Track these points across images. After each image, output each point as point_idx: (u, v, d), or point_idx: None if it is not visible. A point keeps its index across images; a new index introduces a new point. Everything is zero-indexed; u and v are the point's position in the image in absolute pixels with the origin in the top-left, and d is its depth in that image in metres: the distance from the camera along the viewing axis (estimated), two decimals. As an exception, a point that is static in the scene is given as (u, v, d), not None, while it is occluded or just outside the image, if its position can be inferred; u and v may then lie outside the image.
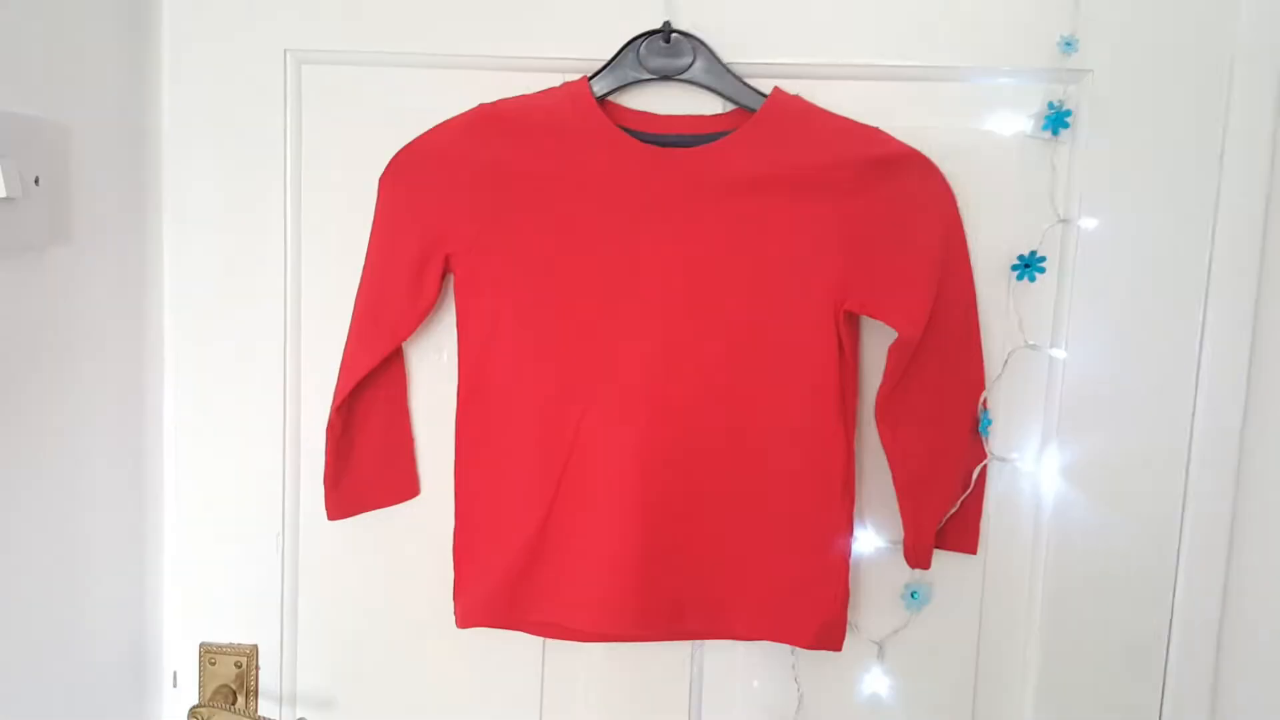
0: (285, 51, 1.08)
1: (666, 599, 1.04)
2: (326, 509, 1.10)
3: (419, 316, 1.05)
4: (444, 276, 1.05)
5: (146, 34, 1.08)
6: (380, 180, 1.04)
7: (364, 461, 1.10)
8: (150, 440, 1.14)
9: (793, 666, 1.11)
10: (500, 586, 1.06)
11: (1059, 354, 1.04)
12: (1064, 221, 1.03)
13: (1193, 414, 1.04)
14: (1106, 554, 1.07)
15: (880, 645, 1.10)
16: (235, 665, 1.16)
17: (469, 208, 1.03)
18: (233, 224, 1.10)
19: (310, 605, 1.16)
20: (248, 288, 1.11)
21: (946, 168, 1.01)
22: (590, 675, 1.14)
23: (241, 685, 1.16)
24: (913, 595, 1.08)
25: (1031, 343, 1.04)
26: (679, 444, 1.02)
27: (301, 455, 1.13)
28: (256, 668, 1.16)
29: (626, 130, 1.02)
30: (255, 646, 1.16)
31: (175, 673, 1.17)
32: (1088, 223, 1.02)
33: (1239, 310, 1.02)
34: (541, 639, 1.13)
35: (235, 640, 1.16)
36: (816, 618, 1.04)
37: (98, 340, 1.04)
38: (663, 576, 1.03)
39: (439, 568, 1.09)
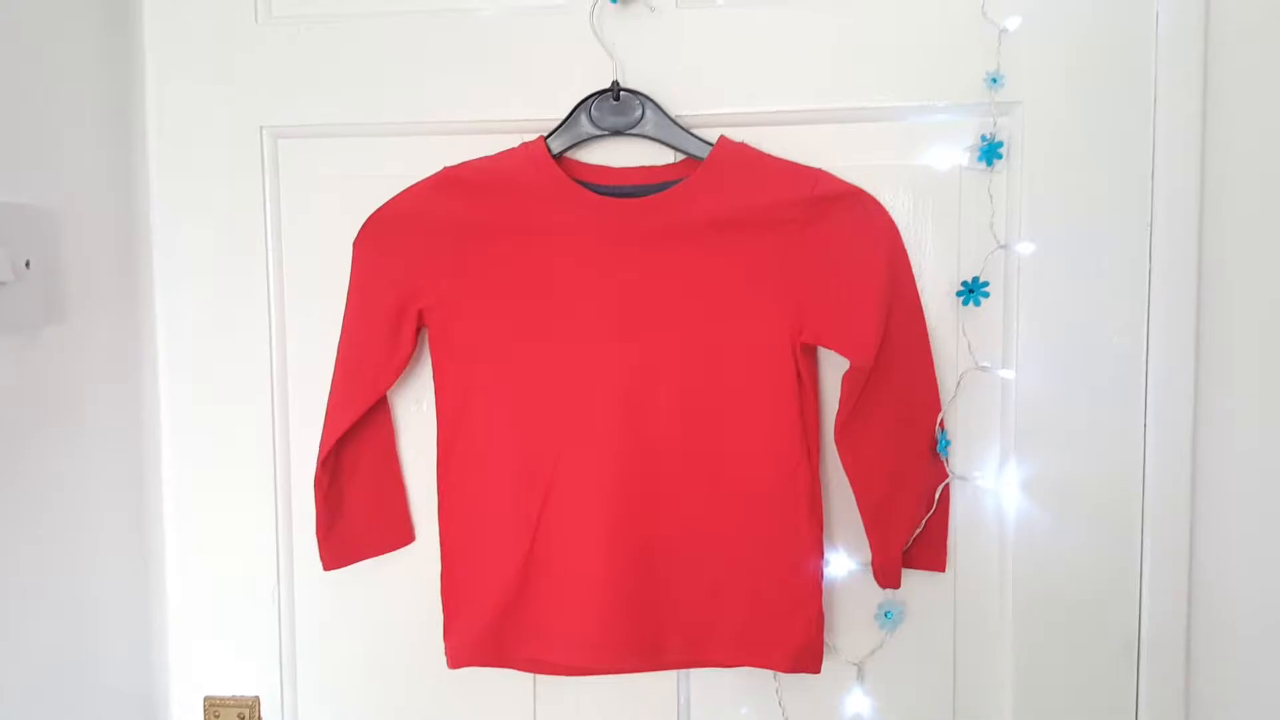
0: (261, 128, 1.15)
1: (647, 631, 1.08)
2: (321, 560, 1.13)
3: (396, 369, 1.10)
4: (419, 330, 1.10)
5: (132, 118, 1.15)
6: (354, 243, 1.10)
7: (355, 511, 1.14)
8: (150, 503, 1.19)
9: (776, 691, 1.13)
10: (487, 627, 1.10)
11: (1008, 374, 1.07)
12: (1004, 248, 1.06)
13: (1144, 423, 1.06)
14: (1072, 565, 1.08)
15: (859, 666, 1.12)
16: (239, 717, 1.19)
17: (438, 264, 1.08)
18: (219, 292, 1.17)
19: (309, 654, 1.20)
20: (236, 351, 1.17)
21: (889, 202, 1.06)
22: (582, 709, 1.16)
23: None
24: (886, 615, 1.10)
25: (983, 364, 1.08)
26: (650, 480, 1.07)
27: (294, 509, 1.18)
28: (259, 718, 1.19)
29: (583, 183, 1.08)
30: (257, 698, 1.20)
31: None
32: (1026, 248, 1.05)
33: (1180, 321, 1.05)
34: (532, 676, 1.16)
35: (238, 693, 1.20)
36: (793, 642, 1.07)
37: (94, 410, 1.10)
38: (642, 610, 1.07)
39: (433, 611, 1.12)
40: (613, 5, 1.07)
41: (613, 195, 1.07)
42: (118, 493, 1.14)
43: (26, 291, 0.97)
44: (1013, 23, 1.03)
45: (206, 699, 1.20)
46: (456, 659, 1.11)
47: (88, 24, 1.09)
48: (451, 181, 1.09)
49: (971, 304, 1.06)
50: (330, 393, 1.11)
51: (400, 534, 1.16)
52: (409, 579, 1.16)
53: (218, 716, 1.19)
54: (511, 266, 1.08)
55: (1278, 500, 1.06)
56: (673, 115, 1.07)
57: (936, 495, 1.07)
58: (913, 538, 1.07)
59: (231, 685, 1.20)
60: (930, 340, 1.07)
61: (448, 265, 1.08)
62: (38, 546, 1.01)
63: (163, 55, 1.15)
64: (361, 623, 1.19)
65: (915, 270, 1.07)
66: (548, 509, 1.08)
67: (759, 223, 1.05)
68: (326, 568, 1.14)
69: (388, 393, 1.13)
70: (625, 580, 1.06)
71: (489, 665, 1.11)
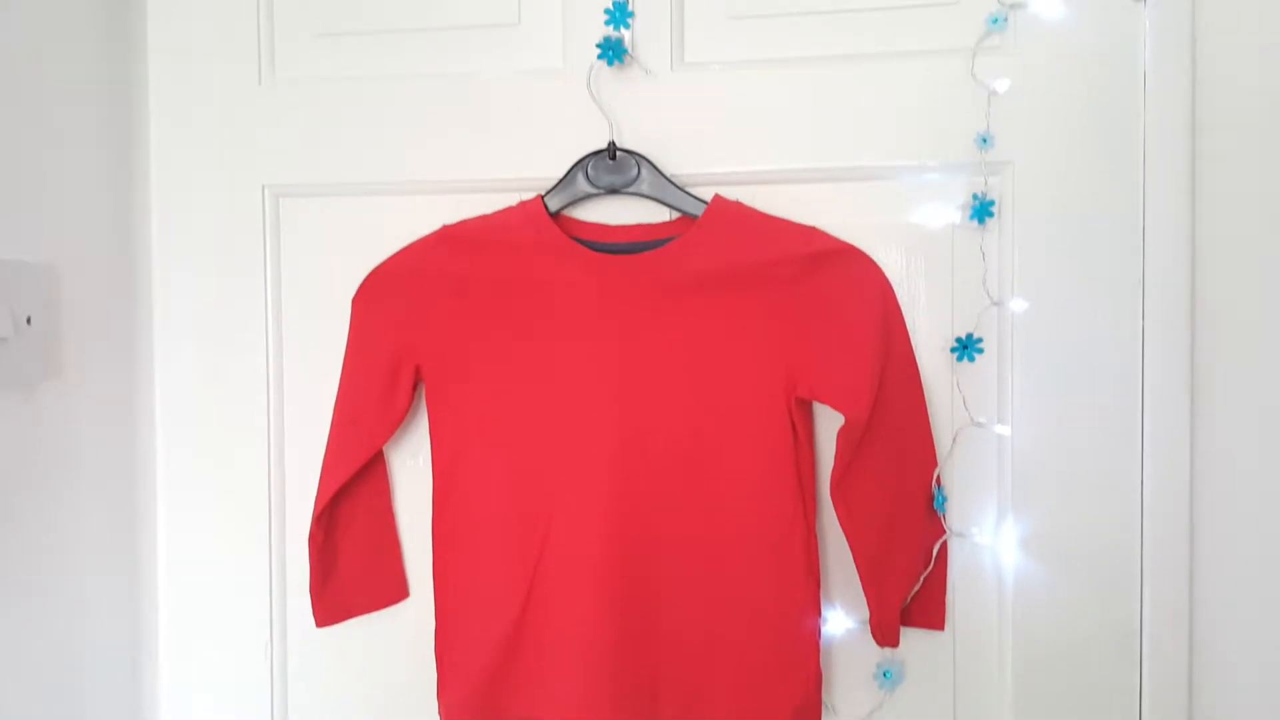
0: (263, 187, 1.16)
1: (642, 690, 1.07)
2: (314, 616, 1.13)
3: (393, 425, 1.10)
4: (416, 385, 1.11)
5: (135, 176, 1.17)
6: (353, 300, 1.12)
7: (349, 568, 1.14)
8: (144, 556, 1.19)
9: None
10: (480, 683, 1.09)
11: (1004, 430, 1.08)
12: (997, 304, 1.07)
13: (1140, 477, 1.06)
14: (1072, 622, 1.08)
15: None
16: None
17: (436, 320, 1.09)
18: (218, 348, 1.18)
19: (302, 712, 1.19)
20: (234, 406, 1.18)
21: (882, 259, 1.08)
22: None
23: None
24: (885, 675, 1.09)
25: (978, 420, 1.08)
26: (645, 538, 1.07)
27: (289, 564, 1.18)
28: None
29: (580, 240, 1.09)
30: None
31: None
32: (1018, 304, 1.06)
33: (1174, 375, 1.05)
34: None
35: None
36: (790, 700, 1.06)
37: (90, 464, 1.10)
38: (636, 668, 1.06)
39: (427, 668, 1.12)
40: (609, 68, 1.09)
41: (609, 252, 1.09)
42: (112, 546, 1.14)
43: (26, 347, 0.98)
44: (1002, 85, 1.05)
45: None
46: (450, 716, 1.11)
47: (92, 82, 1.11)
48: (450, 239, 1.11)
49: (966, 360, 1.07)
50: (327, 447, 1.12)
51: (394, 590, 1.16)
52: (403, 636, 1.16)
53: None
54: (508, 322, 1.09)
55: (1277, 554, 1.05)
56: (668, 174, 1.09)
57: (934, 552, 1.07)
58: (911, 595, 1.07)
59: None
60: (925, 396, 1.08)
61: (445, 321, 1.09)
62: (30, 600, 1.01)
63: (166, 114, 1.18)
64: (355, 679, 1.18)
65: (909, 326, 1.08)
66: (542, 565, 1.08)
67: (753, 279, 1.06)
68: (319, 624, 1.13)
69: (384, 448, 1.14)
70: (619, 638, 1.06)
71: None
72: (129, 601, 1.17)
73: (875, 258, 1.07)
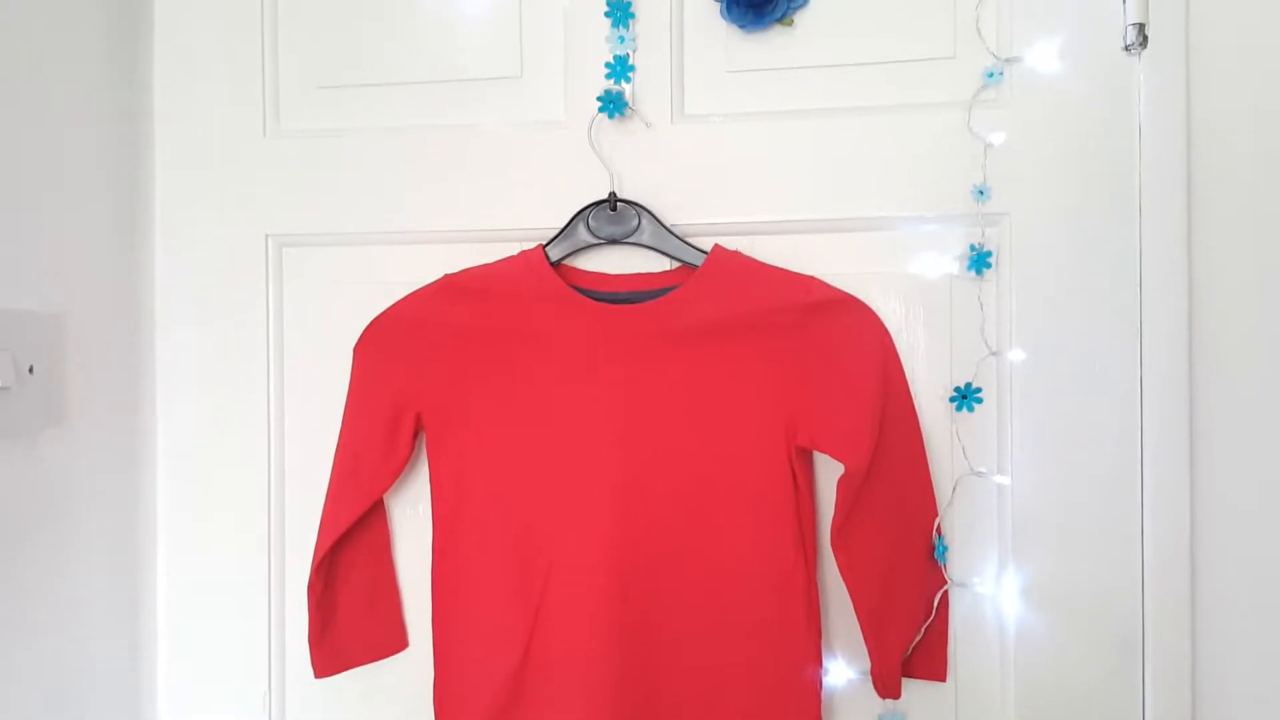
0: (267, 237, 1.17)
1: (643, 739, 1.06)
2: (313, 667, 1.12)
3: (393, 473, 1.11)
4: (417, 433, 1.11)
5: (139, 225, 1.18)
6: (355, 348, 1.12)
7: (348, 618, 1.14)
8: (144, 605, 1.18)
9: None
10: (480, 733, 1.08)
11: (1004, 480, 1.08)
12: (995, 354, 1.08)
13: (1141, 526, 1.06)
14: (1074, 672, 1.07)
15: None
16: None
17: (436, 369, 1.10)
18: (220, 396, 1.19)
19: (301, 764, 1.18)
20: (235, 454, 1.18)
21: (881, 308, 1.08)
22: None
23: None
24: (887, 726, 1.09)
25: (978, 470, 1.08)
26: (645, 586, 1.06)
27: (288, 615, 1.17)
28: None
29: (581, 290, 1.10)
30: None
31: None
32: (1017, 355, 1.07)
33: (1173, 424, 1.05)
34: None
35: None
36: (792, 752, 1.05)
37: (92, 511, 1.10)
38: (638, 716, 1.06)
39: (425, 718, 1.12)
40: (610, 120, 1.11)
41: (610, 301, 1.09)
42: (112, 595, 1.14)
43: (29, 396, 0.98)
44: (998, 138, 1.06)
45: None
46: None
47: (98, 132, 1.13)
48: (451, 288, 1.11)
49: (965, 409, 1.07)
50: (327, 496, 1.12)
51: (393, 640, 1.16)
52: (402, 686, 1.15)
53: None
54: (509, 371, 1.09)
55: (1278, 603, 1.05)
56: (668, 224, 1.10)
57: (935, 602, 1.07)
58: (912, 646, 1.06)
59: None
60: (925, 445, 1.08)
61: (446, 370, 1.10)
62: (30, 650, 1.00)
63: (171, 164, 1.19)
64: None
65: (908, 376, 1.08)
66: (542, 613, 1.08)
67: (753, 328, 1.06)
68: (318, 675, 1.12)
69: (385, 496, 1.14)
70: (620, 686, 1.05)
71: None
72: (127, 651, 1.16)
73: (874, 307, 1.08)
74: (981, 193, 1.06)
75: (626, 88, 1.10)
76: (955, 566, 1.09)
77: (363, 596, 1.14)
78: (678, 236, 1.10)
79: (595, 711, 1.05)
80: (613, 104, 1.09)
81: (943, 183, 1.08)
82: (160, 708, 1.19)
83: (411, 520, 1.16)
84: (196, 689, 1.18)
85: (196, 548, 1.19)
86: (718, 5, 1.10)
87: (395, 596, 1.16)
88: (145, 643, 1.18)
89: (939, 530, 1.07)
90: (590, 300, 1.09)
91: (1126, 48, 1.05)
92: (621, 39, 1.10)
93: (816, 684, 1.06)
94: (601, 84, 1.10)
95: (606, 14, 1.10)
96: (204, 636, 1.18)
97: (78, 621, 1.08)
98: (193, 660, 1.18)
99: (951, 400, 1.08)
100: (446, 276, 1.12)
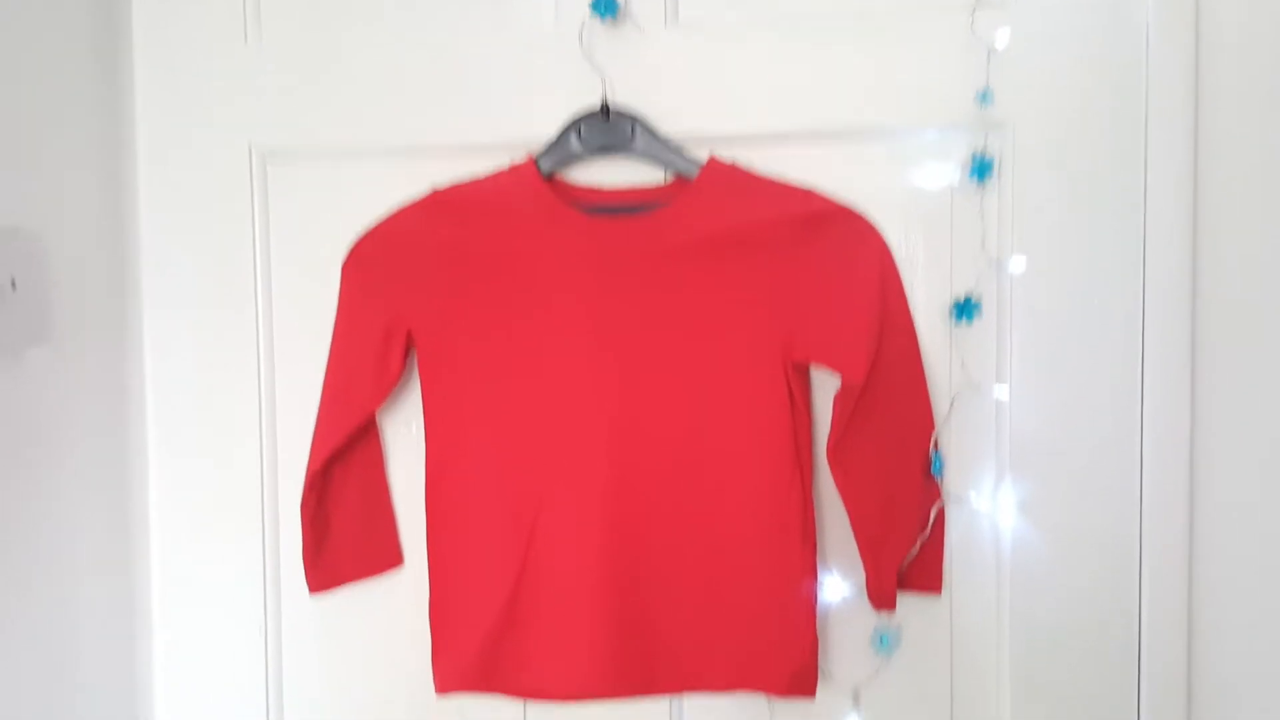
0: (250, 148, 1.14)
1: (638, 656, 1.06)
2: (307, 582, 1.12)
3: (384, 392, 1.09)
4: (408, 351, 1.10)
5: (121, 138, 1.15)
6: (343, 266, 1.10)
7: (342, 534, 1.13)
8: (135, 527, 1.17)
9: (770, 718, 1.11)
10: (476, 652, 1.08)
11: (1002, 392, 1.06)
12: (996, 265, 1.05)
13: (1140, 439, 1.05)
14: (1069, 586, 1.07)
15: (855, 692, 1.10)
16: None
17: (427, 286, 1.08)
18: (208, 314, 1.16)
19: (296, 682, 1.18)
20: (225, 373, 1.16)
21: (880, 220, 1.06)
22: None
23: None
24: (882, 640, 1.08)
25: (975, 383, 1.06)
26: (641, 506, 1.06)
27: (282, 534, 1.17)
28: None
29: (574, 203, 1.07)
30: None
31: None
32: (1018, 264, 1.04)
33: (1175, 335, 1.03)
34: (523, 702, 1.14)
35: None
36: (787, 666, 1.05)
37: (80, 432, 1.09)
38: (633, 635, 1.06)
39: (422, 637, 1.11)
40: (602, 26, 1.07)
41: (602, 214, 1.07)
42: (102, 516, 1.13)
43: (12, 311, 0.96)
44: (1001, 41, 1.03)
45: None
46: (445, 685, 1.10)
47: (76, 44, 1.09)
48: (440, 203, 1.09)
49: (964, 322, 1.06)
50: (318, 413, 1.10)
51: (388, 557, 1.15)
52: (397, 603, 1.15)
53: None
54: (500, 288, 1.07)
55: (1278, 514, 1.04)
56: (662, 135, 1.07)
57: (931, 516, 1.06)
58: (908, 560, 1.06)
59: (218, 716, 1.18)
60: (923, 359, 1.07)
61: (436, 287, 1.08)
62: (17, 572, 1.00)
63: (152, 75, 1.16)
64: (349, 649, 1.17)
65: (907, 289, 1.06)
66: (537, 533, 1.07)
67: (750, 241, 1.05)
68: (313, 591, 1.12)
69: (377, 415, 1.13)
70: (615, 605, 1.05)
71: (478, 691, 1.10)
72: (119, 573, 1.16)
73: (872, 219, 1.05)
74: (984, 97, 1.03)
75: (618, -9, 1.06)
76: (952, 481, 1.08)
77: (356, 513, 1.13)
78: (672, 147, 1.07)
79: (590, 631, 1.05)
80: (604, 6, 1.05)
81: (945, 89, 1.04)
82: (154, 630, 1.19)
83: (405, 439, 1.15)
84: (192, 607, 1.18)
85: (188, 470, 1.17)
86: (713, -96, 1.06)
87: (389, 514, 1.15)
88: (137, 565, 1.18)
89: (936, 445, 1.06)
90: (582, 214, 1.07)
91: (1135, -53, 1.01)
92: (613, -60, 1.06)
93: (812, 600, 1.06)
94: (593, -14, 1.06)
95: (598, -86, 1.06)
96: (198, 555, 1.18)
97: (65, 544, 1.07)
98: (187, 578, 1.18)
99: (951, 313, 1.06)
100: (434, 191, 1.09)
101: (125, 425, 1.16)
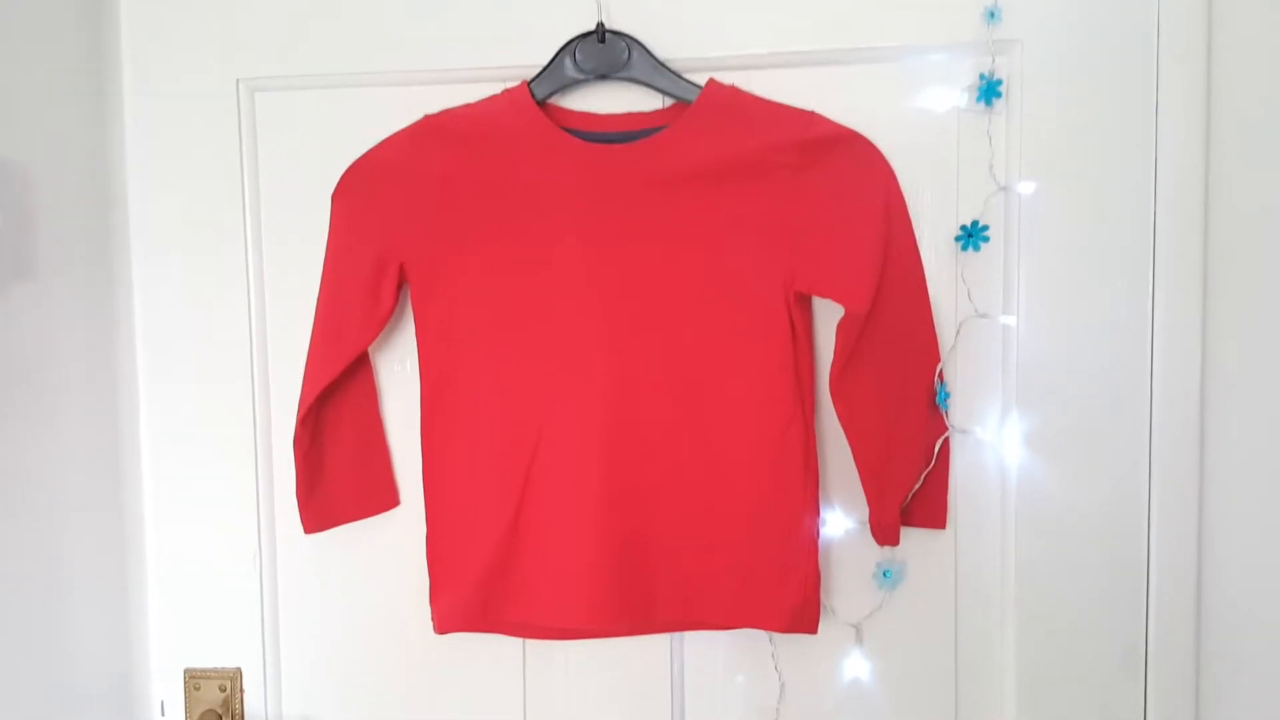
0: (238, 81, 1.11)
1: (638, 593, 1.05)
2: (302, 523, 1.10)
3: (377, 326, 1.07)
4: (401, 285, 1.07)
5: (105, 70, 1.12)
6: (333, 195, 1.07)
7: (337, 473, 1.11)
8: (126, 468, 1.15)
9: (772, 655, 1.10)
10: (474, 590, 1.07)
11: (1009, 321, 1.04)
12: (1004, 189, 1.03)
13: (1150, 371, 1.03)
14: (1075, 522, 1.05)
15: (857, 627, 1.09)
16: (220, 689, 1.16)
17: (419, 216, 1.05)
18: (196, 249, 1.14)
19: (292, 623, 1.17)
20: (215, 309, 1.14)
21: (885, 145, 1.03)
22: (572, 673, 1.14)
23: (227, 709, 1.16)
24: (885, 574, 1.07)
25: (982, 312, 1.05)
26: (640, 439, 1.04)
27: (275, 473, 1.15)
28: (241, 690, 1.16)
29: (569, 130, 1.04)
30: (239, 669, 1.16)
31: (163, 701, 1.18)
32: (1026, 188, 1.02)
33: (1187, 263, 1.01)
34: (521, 640, 1.14)
35: (220, 664, 1.17)
36: (789, 602, 1.04)
37: (68, 371, 1.07)
38: (632, 571, 1.04)
39: (419, 576, 1.10)
40: (597, -57, 1.04)
41: (599, 141, 1.04)
42: (92, 453, 1.11)
43: (-5, 243, 0.94)
44: (1011, -45, 0.99)
45: (187, 671, 1.16)
46: (443, 624, 1.09)
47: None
48: (432, 130, 1.06)
49: (971, 249, 1.04)
50: (309, 349, 1.08)
51: (384, 497, 1.13)
52: (393, 543, 1.13)
53: (198, 689, 1.16)
54: (494, 215, 1.05)
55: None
56: (660, 58, 1.04)
57: (935, 449, 1.04)
58: (911, 494, 1.05)
59: (213, 656, 1.17)
60: (928, 287, 1.05)
61: (429, 217, 1.05)
62: (6, 515, 0.98)
63: (137, 5, 1.12)
64: (345, 589, 1.16)
65: (912, 215, 1.04)
66: (535, 470, 1.06)
67: (750, 167, 1.02)
68: (308, 531, 1.11)
69: (371, 352, 1.11)
70: (615, 541, 1.04)
71: (476, 630, 1.09)
72: (111, 514, 1.14)
73: (877, 144, 1.03)
74: (993, 15, 1.00)
75: (613, -94, 1.03)
76: (957, 413, 1.06)
77: (350, 451, 1.11)
78: (670, 71, 1.04)
79: (589, 565, 1.03)
80: (598, -80, 1.02)
81: (951, 7, 1.02)
82: (147, 571, 1.17)
83: (399, 376, 1.13)
84: (184, 552, 1.16)
85: (180, 407, 1.15)
86: None
87: (384, 452, 1.13)
88: (129, 507, 1.16)
89: (941, 376, 1.04)
90: (578, 140, 1.04)
91: None
92: None
93: (814, 534, 1.05)
94: (587, -98, 1.03)
95: None
96: (191, 498, 1.15)
97: (55, 485, 1.05)
98: (180, 522, 1.16)
99: (957, 239, 1.04)
100: (426, 118, 1.06)
101: (114, 362, 1.14)
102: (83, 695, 1.09)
